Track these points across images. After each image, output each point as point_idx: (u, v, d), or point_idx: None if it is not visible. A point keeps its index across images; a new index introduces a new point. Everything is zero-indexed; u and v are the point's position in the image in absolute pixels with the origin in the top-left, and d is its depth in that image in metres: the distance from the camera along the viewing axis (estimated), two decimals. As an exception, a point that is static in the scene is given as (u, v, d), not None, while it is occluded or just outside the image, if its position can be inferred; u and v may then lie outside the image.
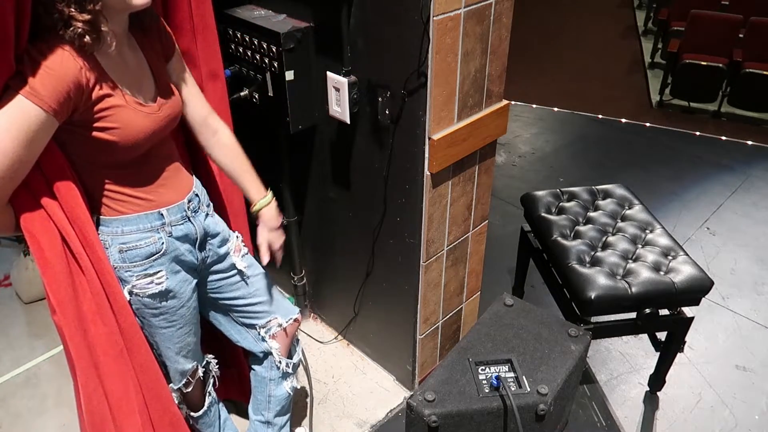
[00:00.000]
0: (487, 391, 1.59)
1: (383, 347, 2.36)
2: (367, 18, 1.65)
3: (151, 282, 1.44)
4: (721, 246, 3.17)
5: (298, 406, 2.24)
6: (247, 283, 1.68)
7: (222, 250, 1.61)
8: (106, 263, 1.36)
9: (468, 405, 1.56)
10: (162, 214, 1.43)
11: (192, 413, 1.77)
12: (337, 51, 1.75)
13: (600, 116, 4.60)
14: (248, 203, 1.66)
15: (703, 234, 3.26)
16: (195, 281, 1.56)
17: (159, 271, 1.44)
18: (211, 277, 1.63)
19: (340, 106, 1.81)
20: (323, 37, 1.80)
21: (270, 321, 1.72)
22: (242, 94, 1.98)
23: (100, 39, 1.18)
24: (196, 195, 1.53)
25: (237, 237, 1.68)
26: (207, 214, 1.57)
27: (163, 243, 1.43)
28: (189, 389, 1.68)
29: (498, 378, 1.60)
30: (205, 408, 1.78)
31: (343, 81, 1.75)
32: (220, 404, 1.90)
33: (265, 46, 1.81)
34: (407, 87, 1.64)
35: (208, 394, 1.79)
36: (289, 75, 1.81)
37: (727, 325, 2.68)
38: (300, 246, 2.42)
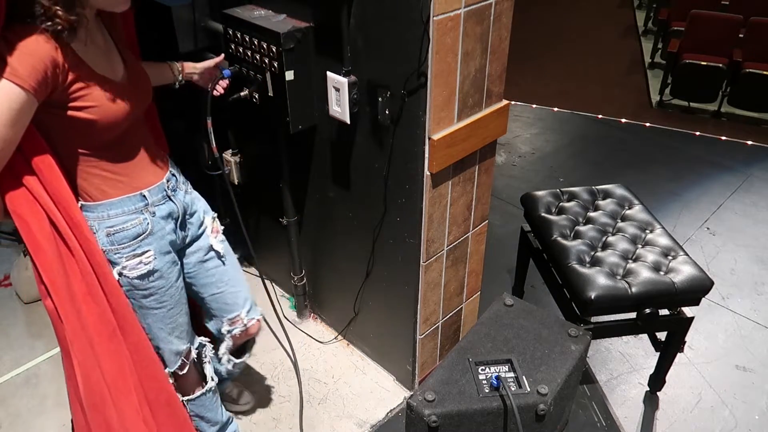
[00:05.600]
0: (487, 391, 1.59)
1: (383, 347, 2.36)
2: (367, 18, 1.65)
3: (140, 262, 1.47)
4: (721, 246, 3.17)
5: (290, 403, 2.24)
6: (223, 264, 1.73)
7: (200, 230, 1.68)
8: (93, 243, 1.38)
9: (468, 405, 1.56)
10: (144, 196, 1.48)
11: (185, 397, 1.78)
12: (337, 51, 1.75)
13: (600, 116, 4.60)
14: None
15: (703, 234, 3.26)
16: (179, 262, 1.61)
17: (147, 251, 1.48)
18: (188, 260, 1.67)
19: (340, 106, 1.81)
20: (323, 37, 1.79)
21: (236, 318, 1.78)
22: (242, 94, 1.97)
23: (76, 32, 1.22)
24: (173, 174, 1.60)
25: (213, 218, 1.74)
26: (185, 192, 1.63)
27: (148, 223, 1.48)
28: (184, 371, 1.71)
29: (498, 378, 1.60)
30: (203, 390, 1.80)
31: (343, 81, 1.75)
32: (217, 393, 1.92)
33: (265, 46, 1.80)
34: (407, 87, 1.64)
35: (211, 378, 1.82)
36: (289, 75, 1.81)
37: (727, 325, 2.68)
38: (300, 246, 2.42)
